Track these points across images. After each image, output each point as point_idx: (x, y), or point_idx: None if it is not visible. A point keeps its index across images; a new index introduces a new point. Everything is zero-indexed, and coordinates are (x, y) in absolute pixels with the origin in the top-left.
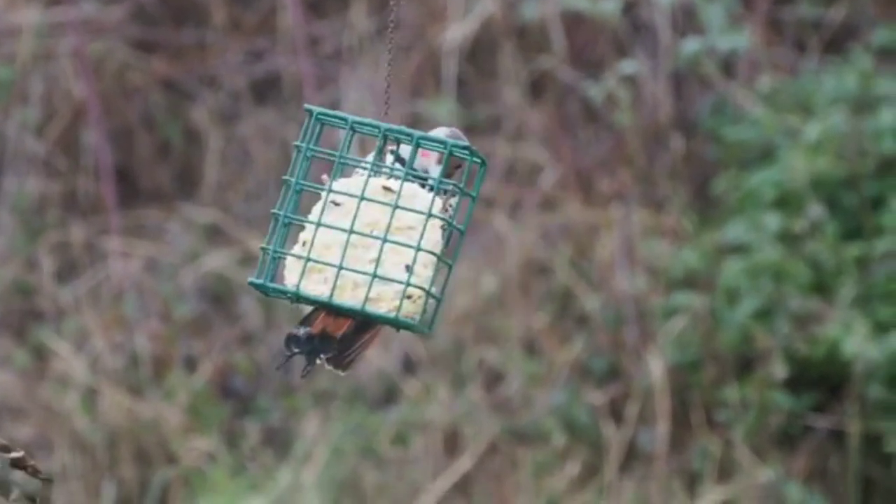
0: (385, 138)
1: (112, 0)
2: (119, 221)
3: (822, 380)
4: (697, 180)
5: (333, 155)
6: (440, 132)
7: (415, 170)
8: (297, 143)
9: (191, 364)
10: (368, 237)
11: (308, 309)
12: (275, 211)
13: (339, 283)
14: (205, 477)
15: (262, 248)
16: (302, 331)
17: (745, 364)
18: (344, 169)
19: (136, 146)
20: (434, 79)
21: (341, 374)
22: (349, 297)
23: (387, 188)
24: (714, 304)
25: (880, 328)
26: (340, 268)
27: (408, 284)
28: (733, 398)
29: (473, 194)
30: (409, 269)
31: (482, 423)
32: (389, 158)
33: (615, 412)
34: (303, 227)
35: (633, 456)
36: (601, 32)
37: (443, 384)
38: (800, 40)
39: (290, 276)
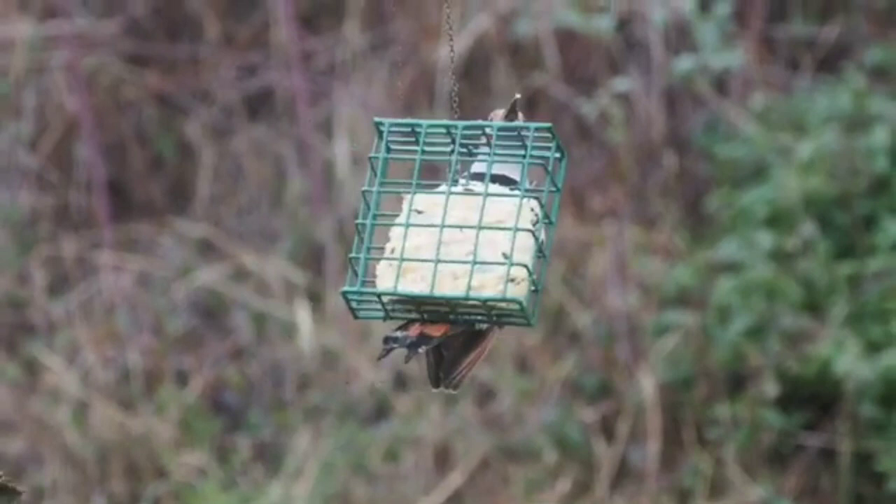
0: (458, 144)
1: (105, 14)
2: (111, 235)
3: (814, 398)
4: (690, 198)
5: (410, 157)
6: (495, 114)
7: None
8: (372, 154)
9: (182, 378)
10: (461, 229)
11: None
12: (359, 221)
13: (436, 278)
14: (196, 492)
15: (351, 258)
16: (400, 333)
17: (736, 382)
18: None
19: (129, 160)
20: (427, 95)
21: (453, 392)
22: (449, 289)
23: (469, 190)
24: (706, 322)
25: (872, 347)
26: (437, 261)
27: (511, 264)
28: (725, 416)
29: (558, 187)
30: (506, 256)
31: (473, 440)
32: (462, 181)
33: (606, 429)
34: (387, 239)
35: (624, 473)
36: (594, 50)
37: (434, 400)
38: (793, 59)
39: (384, 282)
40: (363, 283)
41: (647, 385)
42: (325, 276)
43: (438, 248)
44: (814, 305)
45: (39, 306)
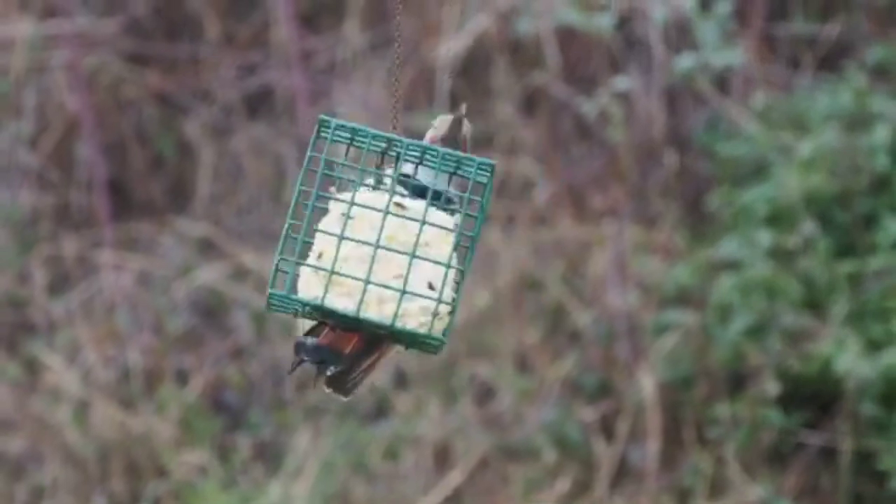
0: (389, 153)
1: (106, 13)
2: (112, 235)
3: (815, 397)
4: (690, 196)
5: (346, 165)
6: (442, 122)
7: (416, 181)
8: (310, 153)
9: (182, 378)
10: (389, 251)
11: (309, 323)
12: (291, 221)
13: (364, 298)
14: (196, 491)
15: (280, 260)
16: (309, 340)
17: (737, 381)
18: (340, 183)
19: (129, 159)
20: (427, 93)
21: (343, 399)
22: (374, 312)
23: (398, 204)
24: (706, 321)
25: (873, 345)
26: (367, 282)
27: (440, 301)
28: (725, 415)
29: (483, 201)
30: (431, 286)
31: (473, 439)
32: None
33: (606, 428)
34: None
35: (623, 472)
36: (595, 48)
37: (434, 399)
38: (794, 57)
39: (308, 288)
40: (290, 289)
41: (646, 384)
42: None
43: (370, 267)
44: (814, 304)
45: (40, 305)
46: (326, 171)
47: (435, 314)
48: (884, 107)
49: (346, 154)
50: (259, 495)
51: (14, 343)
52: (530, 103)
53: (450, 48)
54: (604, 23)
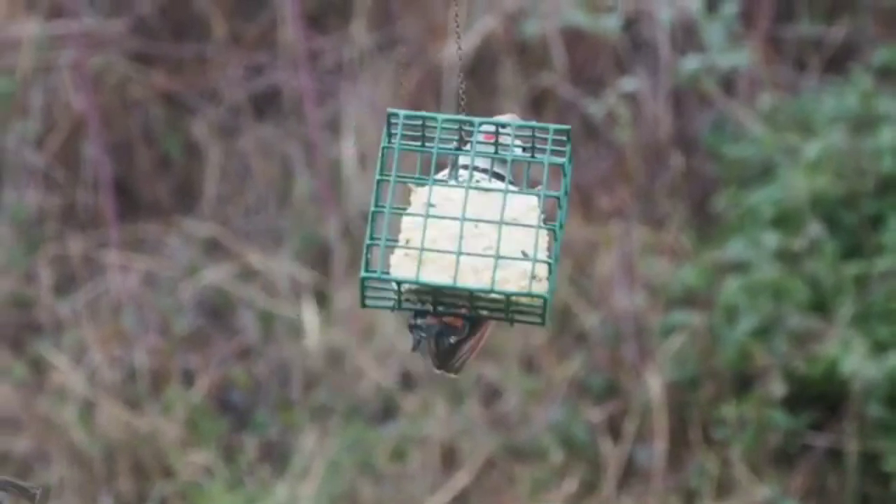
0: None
1: (112, 13)
2: (118, 235)
3: (821, 398)
4: (697, 198)
5: (424, 152)
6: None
7: (497, 172)
8: (385, 144)
9: (189, 378)
10: (475, 224)
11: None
12: (375, 209)
13: (459, 270)
14: (202, 491)
15: (370, 243)
16: (420, 320)
17: (743, 382)
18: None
19: (136, 160)
20: (434, 94)
21: (454, 376)
22: (472, 282)
23: (477, 183)
24: (713, 322)
25: (879, 347)
26: (459, 253)
27: (535, 261)
28: (731, 416)
29: (557, 161)
30: (524, 253)
31: (480, 439)
32: (463, 172)
33: (613, 429)
34: (398, 231)
35: (630, 473)
36: (602, 49)
37: (441, 400)
38: (800, 59)
39: (399, 271)
40: (381, 272)
41: (653, 385)
42: (332, 275)
43: (460, 241)
44: (821, 305)
45: (46, 305)
46: (400, 176)
47: (533, 276)
48: (890, 108)
49: (423, 144)
50: (265, 496)
51: (20, 343)
52: (537, 104)
53: (459, 50)
54: (610, 24)
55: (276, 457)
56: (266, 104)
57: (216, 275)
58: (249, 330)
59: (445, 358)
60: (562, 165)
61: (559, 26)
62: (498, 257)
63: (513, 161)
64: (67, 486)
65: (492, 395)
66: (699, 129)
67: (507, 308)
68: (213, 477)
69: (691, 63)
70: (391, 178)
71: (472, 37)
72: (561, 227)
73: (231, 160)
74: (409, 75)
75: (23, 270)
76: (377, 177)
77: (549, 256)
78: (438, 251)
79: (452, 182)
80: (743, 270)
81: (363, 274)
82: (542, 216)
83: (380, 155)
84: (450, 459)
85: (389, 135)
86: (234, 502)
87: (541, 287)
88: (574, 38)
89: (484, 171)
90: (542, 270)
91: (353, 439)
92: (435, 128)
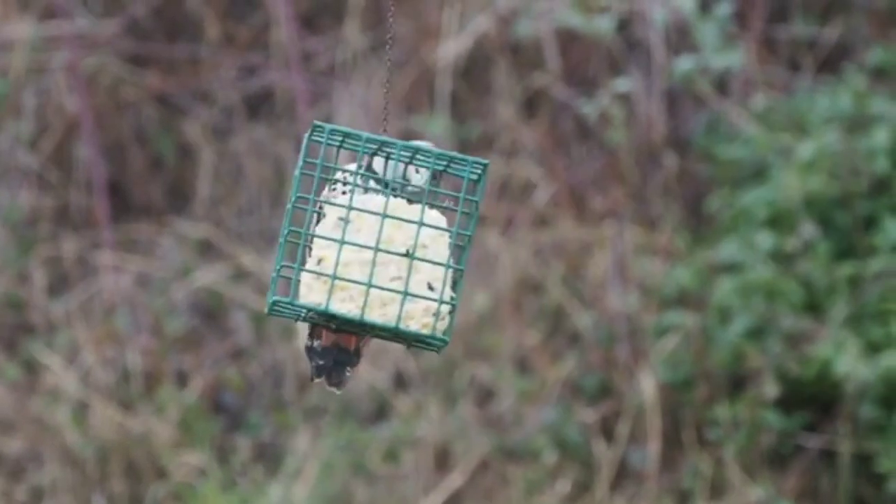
0: (379, 154)
1: (106, 15)
2: (111, 236)
3: (814, 399)
4: (690, 198)
5: (338, 169)
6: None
7: (404, 181)
8: (306, 159)
9: (182, 379)
10: (388, 253)
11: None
12: (291, 229)
13: (367, 302)
14: (196, 492)
15: (282, 267)
16: (315, 343)
17: (736, 383)
18: (331, 185)
19: (129, 160)
20: (428, 95)
21: (336, 392)
22: (378, 316)
23: (396, 218)
24: (706, 323)
25: (872, 348)
26: (370, 286)
27: (441, 302)
28: (725, 417)
29: (477, 199)
30: (430, 286)
31: (473, 440)
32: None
33: (606, 430)
34: (305, 244)
35: (624, 474)
36: (595, 50)
37: (434, 401)
38: (794, 59)
39: (311, 293)
40: (294, 295)
41: (647, 386)
42: None
43: (373, 269)
44: (814, 306)
45: (39, 306)
46: (323, 176)
47: (437, 314)
48: (883, 109)
49: (337, 158)
50: (259, 497)
51: (13, 344)
52: (531, 105)
53: (451, 50)
54: (604, 25)
55: (270, 457)
56: (259, 105)
57: (209, 276)
58: (242, 331)
59: (333, 375)
60: (473, 202)
61: (553, 27)
62: (406, 294)
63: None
64: (60, 487)
65: (485, 396)
66: (693, 130)
67: (407, 340)
68: (207, 478)
69: (685, 63)
70: (308, 205)
71: (465, 38)
72: (469, 238)
73: (224, 161)
74: (402, 76)
75: (16, 271)
76: (290, 203)
77: (454, 292)
78: (349, 280)
79: (360, 193)
80: (736, 271)
81: (273, 298)
82: (451, 240)
83: (300, 163)
84: (443, 460)
85: (307, 146)
86: (228, 503)
87: (442, 325)
88: (568, 39)
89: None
90: (444, 308)
91: (347, 440)
92: (354, 144)
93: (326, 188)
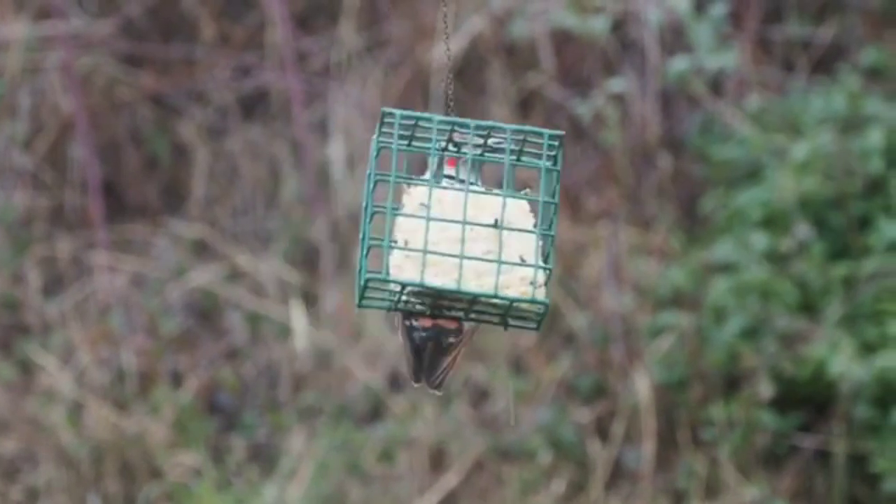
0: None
1: (100, 14)
2: (106, 236)
3: (809, 399)
4: (685, 199)
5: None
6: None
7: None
8: (382, 143)
9: (177, 379)
10: (477, 226)
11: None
12: (375, 207)
13: (462, 274)
14: (190, 492)
15: (372, 244)
16: (415, 322)
17: (731, 383)
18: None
19: (124, 161)
20: (422, 96)
21: (437, 393)
22: (475, 286)
23: (478, 192)
24: (701, 323)
25: (867, 348)
26: (463, 257)
27: (538, 268)
28: (719, 417)
29: (556, 168)
30: (522, 259)
31: (468, 441)
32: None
33: (601, 430)
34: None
35: (618, 474)
36: (590, 50)
37: (429, 401)
38: (788, 60)
39: (402, 273)
40: (384, 274)
41: (641, 386)
42: (320, 276)
43: (463, 245)
44: (808, 306)
45: (34, 306)
46: (400, 176)
47: (534, 283)
48: (878, 109)
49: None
50: (253, 497)
51: (8, 344)
52: (525, 105)
53: (448, 51)
54: (598, 25)
55: (264, 458)
56: (254, 105)
57: (204, 276)
58: (237, 331)
59: (430, 369)
60: (555, 172)
61: (547, 27)
62: (500, 262)
63: (497, 165)
64: (55, 487)
65: (480, 396)
66: (687, 130)
67: (506, 313)
68: (201, 478)
69: (679, 64)
70: (391, 178)
71: (460, 38)
72: (554, 234)
73: (219, 161)
74: (397, 76)
75: (10, 271)
76: (375, 176)
77: (545, 262)
78: (441, 254)
79: (445, 184)
80: (731, 271)
81: (367, 275)
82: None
83: (374, 154)
84: (438, 461)
85: (381, 133)
86: (223, 503)
87: (539, 293)
88: (562, 40)
89: (461, 179)
90: (541, 276)
91: (342, 440)
92: (425, 128)
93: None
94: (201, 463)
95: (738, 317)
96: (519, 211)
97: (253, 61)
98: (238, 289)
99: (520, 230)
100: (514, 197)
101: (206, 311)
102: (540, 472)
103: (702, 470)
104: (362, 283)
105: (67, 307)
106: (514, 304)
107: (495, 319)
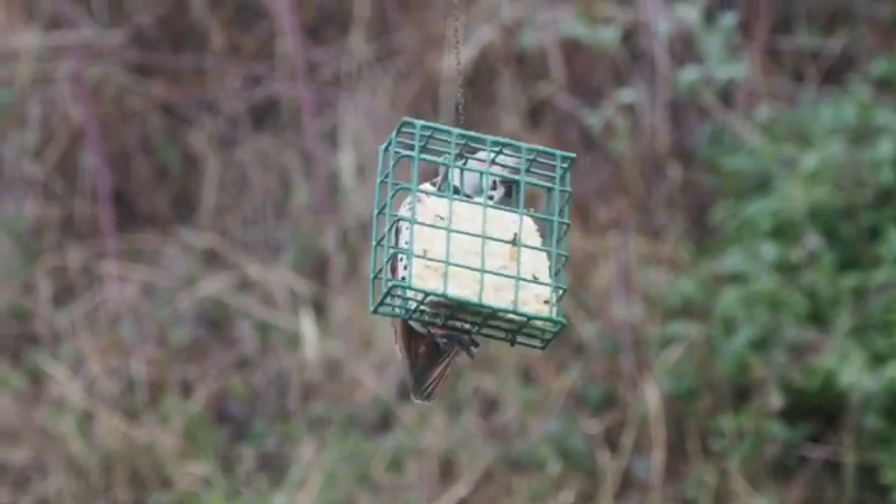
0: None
1: (111, 24)
2: (116, 245)
3: (818, 410)
4: (695, 209)
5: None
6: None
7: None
8: (397, 151)
9: (186, 389)
10: (493, 241)
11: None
12: (395, 215)
13: (483, 287)
14: (200, 502)
15: (393, 251)
16: (433, 329)
17: (740, 393)
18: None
19: (134, 170)
20: (432, 105)
21: (427, 404)
22: (493, 300)
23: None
24: (710, 333)
25: (876, 359)
26: (483, 271)
27: (555, 287)
28: (729, 427)
29: (568, 189)
30: (535, 277)
31: (477, 451)
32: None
33: (611, 440)
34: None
35: (628, 484)
36: (600, 61)
37: (438, 411)
38: (798, 70)
39: (423, 283)
40: (408, 280)
41: (651, 396)
42: (330, 286)
43: (483, 258)
44: (818, 317)
45: (44, 316)
46: (397, 183)
47: (549, 301)
48: (888, 120)
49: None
50: None
51: (18, 354)
52: (535, 115)
53: (459, 65)
54: (609, 35)
55: (274, 467)
56: (264, 115)
57: (214, 285)
58: (247, 340)
59: (419, 380)
60: (566, 192)
61: (557, 37)
62: (519, 279)
63: (502, 182)
64: (65, 496)
65: (489, 406)
66: (697, 141)
67: (519, 329)
68: (211, 487)
69: (689, 74)
70: (412, 188)
71: (470, 48)
72: (568, 228)
73: (229, 171)
74: (407, 86)
75: (21, 281)
76: (395, 185)
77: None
78: (462, 266)
79: (461, 197)
80: (741, 282)
81: (391, 282)
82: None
83: (393, 162)
84: (447, 470)
85: (396, 143)
86: None
87: (554, 311)
88: (572, 50)
89: (466, 194)
90: (553, 296)
91: (351, 450)
92: (439, 140)
93: (403, 203)
94: (211, 472)
95: (747, 327)
96: (527, 229)
97: (263, 71)
98: (248, 298)
99: (533, 248)
100: (528, 215)
101: (216, 321)
102: (549, 483)
103: (711, 480)
104: (384, 289)
105: (77, 317)
106: (530, 322)
107: (502, 335)
